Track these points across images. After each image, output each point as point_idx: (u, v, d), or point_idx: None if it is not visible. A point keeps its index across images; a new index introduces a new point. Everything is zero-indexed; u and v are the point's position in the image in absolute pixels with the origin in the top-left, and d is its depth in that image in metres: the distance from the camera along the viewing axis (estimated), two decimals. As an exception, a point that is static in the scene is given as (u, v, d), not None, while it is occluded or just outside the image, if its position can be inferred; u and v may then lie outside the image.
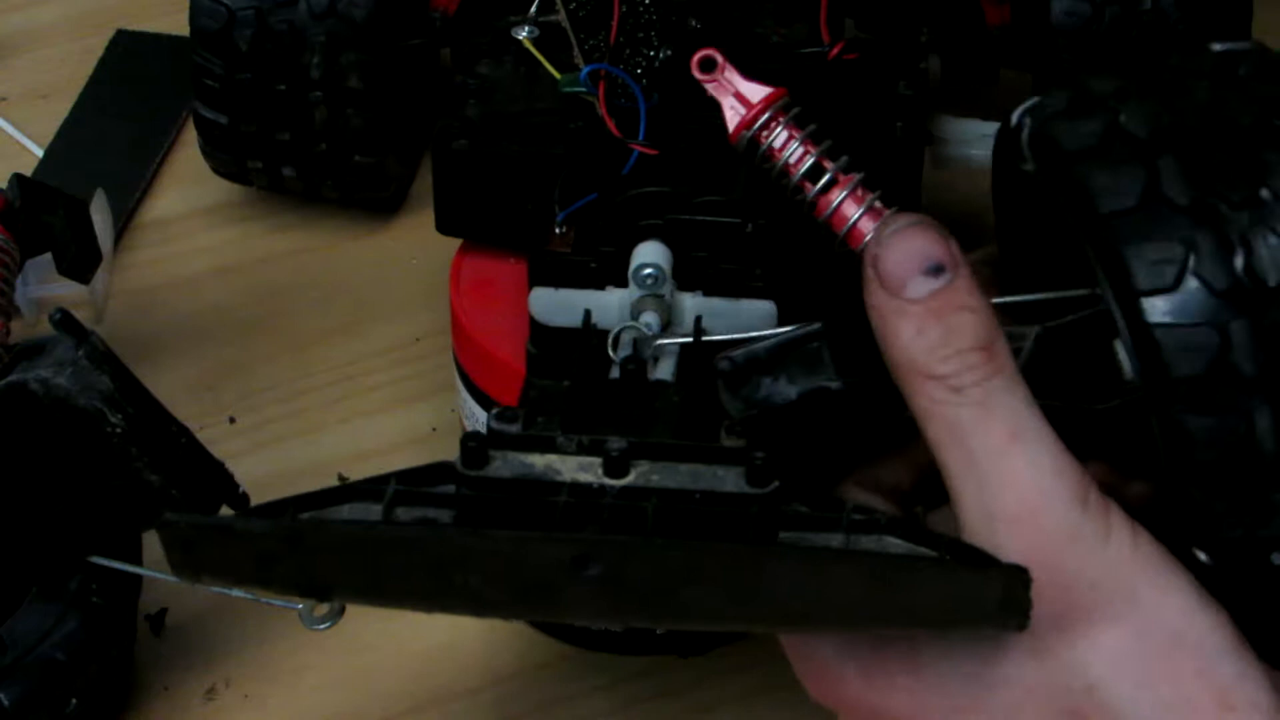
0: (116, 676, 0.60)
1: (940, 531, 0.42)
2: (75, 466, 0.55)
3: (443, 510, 0.42)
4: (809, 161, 0.50)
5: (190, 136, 0.80)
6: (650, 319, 0.51)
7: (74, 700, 0.56)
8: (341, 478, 0.68)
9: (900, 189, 0.53)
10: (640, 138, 0.56)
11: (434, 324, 0.72)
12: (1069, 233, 0.46)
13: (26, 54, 0.90)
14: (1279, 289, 0.43)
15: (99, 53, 0.88)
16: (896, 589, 0.39)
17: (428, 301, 0.74)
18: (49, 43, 0.90)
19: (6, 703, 0.54)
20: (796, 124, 0.50)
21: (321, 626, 0.56)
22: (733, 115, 0.50)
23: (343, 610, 0.56)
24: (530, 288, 0.54)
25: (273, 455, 0.69)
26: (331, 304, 0.76)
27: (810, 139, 0.50)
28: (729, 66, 0.51)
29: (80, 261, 0.67)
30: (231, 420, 0.71)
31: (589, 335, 0.51)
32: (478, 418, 0.61)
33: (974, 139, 0.66)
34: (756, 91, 0.50)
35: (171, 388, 0.66)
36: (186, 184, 0.81)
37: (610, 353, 0.50)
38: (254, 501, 0.57)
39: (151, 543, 0.59)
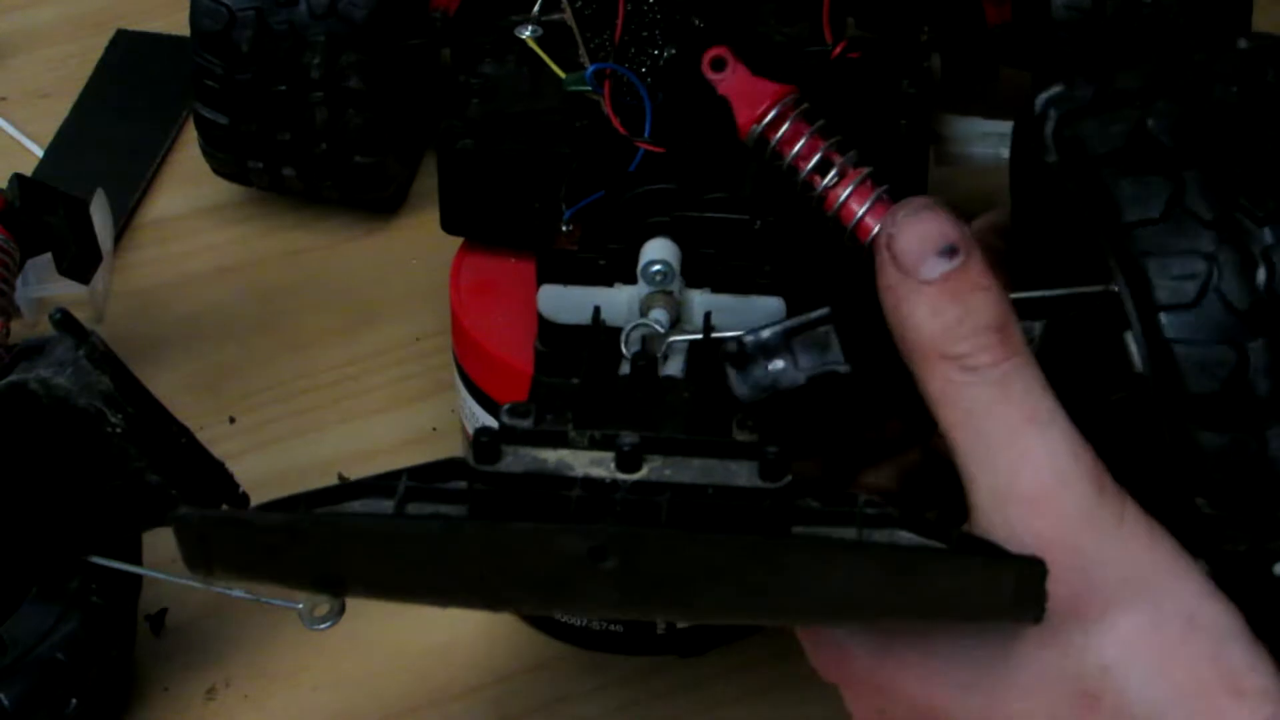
0: (116, 676, 0.59)
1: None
2: (75, 466, 0.55)
3: (455, 506, 0.42)
4: (818, 156, 0.50)
5: (190, 136, 0.80)
6: (660, 315, 0.51)
7: (74, 700, 0.56)
8: (342, 477, 0.68)
9: (906, 187, 0.53)
10: (646, 135, 0.56)
11: (434, 324, 0.72)
12: (1088, 225, 0.46)
13: (26, 54, 0.90)
14: None
15: (99, 53, 0.88)
16: (911, 582, 0.39)
17: (428, 301, 0.74)
18: (49, 43, 0.90)
19: (6, 703, 0.54)
20: (805, 119, 0.50)
21: (321, 626, 0.55)
22: (742, 111, 0.50)
23: (343, 610, 0.56)
24: (538, 285, 0.54)
25: (273, 455, 0.69)
26: (331, 304, 0.76)
27: (819, 133, 0.50)
28: (739, 64, 0.51)
29: (80, 261, 0.68)
30: (231, 420, 0.71)
31: (599, 332, 0.51)
32: (478, 418, 0.61)
33: (975, 137, 0.66)
34: (766, 88, 0.50)
35: (171, 388, 0.65)
36: (186, 184, 0.81)
37: (622, 348, 0.50)
38: (254, 501, 0.57)
39: (151, 543, 0.59)
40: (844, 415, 0.48)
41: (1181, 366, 0.43)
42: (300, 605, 0.56)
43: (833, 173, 0.50)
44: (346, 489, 0.42)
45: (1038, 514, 0.42)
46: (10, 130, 0.85)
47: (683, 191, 0.54)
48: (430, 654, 0.62)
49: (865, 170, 0.50)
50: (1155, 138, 0.45)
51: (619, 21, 0.57)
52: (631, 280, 0.52)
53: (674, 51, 0.58)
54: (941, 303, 0.43)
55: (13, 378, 0.54)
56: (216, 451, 0.57)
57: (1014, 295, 0.46)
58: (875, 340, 0.45)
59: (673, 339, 0.50)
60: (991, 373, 0.43)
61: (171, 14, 0.83)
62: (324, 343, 0.74)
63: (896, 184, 0.52)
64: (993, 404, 0.43)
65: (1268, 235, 0.43)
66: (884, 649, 0.44)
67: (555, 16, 0.60)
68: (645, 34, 0.58)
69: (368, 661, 0.62)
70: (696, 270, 0.53)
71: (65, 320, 0.54)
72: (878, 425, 0.51)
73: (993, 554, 0.40)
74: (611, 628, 0.61)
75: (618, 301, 0.52)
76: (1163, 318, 0.43)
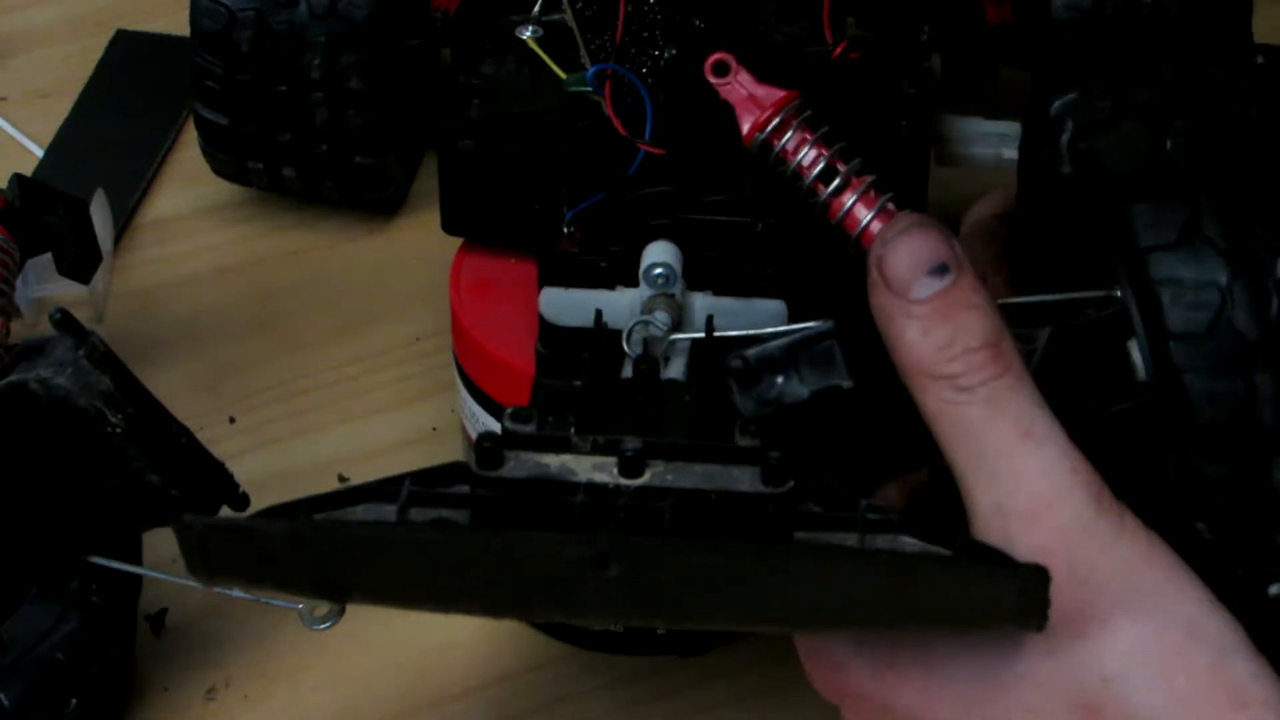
0: (116, 676, 0.59)
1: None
2: (75, 466, 0.55)
3: (458, 511, 0.41)
4: (822, 164, 0.50)
5: (190, 136, 0.80)
6: (661, 318, 0.51)
7: (74, 700, 0.56)
8: (341, 478, 0.68)
9: (907, 187, 0.54)
10: (647, 137, 0.56)
11: (434, 324, 0.72)
12: (1100, 238, 0.46)
13: (26, 54, 0.89)
14: None
15: (99, 53, 0.88)
16: (914, 588, 0.39)
17: (428, 301, 0.74)
18: (49, 43, 0.90)
19: (6, 703, 0.54)
20: (809, 127, 0.50)
21: (321, 627, 0.56)
22: (746, 118, 0.50)
23: (343, 610, 0.56)
24: (540, 288, 0.54)
25: (273, 455, 0.69)
26: (331, 304, 0.76)
27: (823, 141, 0.50)
28: (742, 70, 0.51)
29: (80, 261, 0.67)
30: (231, 420, 0.71)
31: (600, 335, 0.51)
32: (478, 418, 0.61)
33: (976, 137, 0.66)
34: (770, 95, 0.50)
35: (171, 388, 0.65)
36: (186, 184, 0.81)
37: (625, 348, 0.50)
38: (254, 501, 0.57)
39: (151, 543, 0.59)
40: (848, 430, 0.48)
41: (1190, 395, 0.43)
42: (300, 606, 0.56)
43: (836, 181, 0.50)
44: (349, 494, 0.42)
45: (1036, 528, 0.42)
46: (10, 130, 0.85)
47: (684, 194, 0.54)
48: (430, 654, 0.62)
49: (869, 179, 0.50)
50: (1173, 159, 0.45)
51: (619, 22, 0.57)
52: (633, 283, 0.52)
53: (675, 52, 0.58)
54: (933, 323, 0.43)
55: (13, 378, 0.54)
56: (216, 451, 0.57)
57: (1016, 300, 0.46)
58: (878, 356, 0.45)
59: (675, 337, 0.50)
60: (984, 391, 0.43)
61: (171, 14, 0.83)
62: (324, 343, 0.74)
63: (897, 185, 0.52)
64: (987, 422, 0.43)
65: None
66: (884, 665, 0.44)
67: (555, 17, 0.60)
68: (646, 34, 0.58)
69: (368, 661, 0.62)
70: (698, 273, 0.53)
71: (65, 320, 0.54)
72: (883, 440, 0.51)
73: (996, 560, 0.40)
74: (612, 628, 0.61)
75: (619, 304, 0.52)
76: (1174, 346, 0.43)
